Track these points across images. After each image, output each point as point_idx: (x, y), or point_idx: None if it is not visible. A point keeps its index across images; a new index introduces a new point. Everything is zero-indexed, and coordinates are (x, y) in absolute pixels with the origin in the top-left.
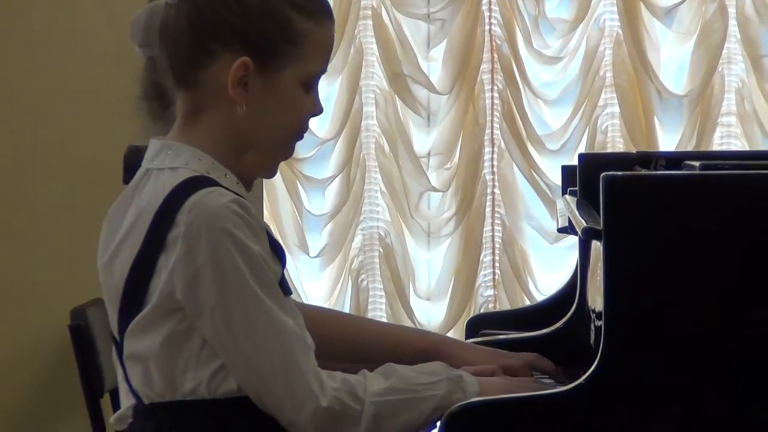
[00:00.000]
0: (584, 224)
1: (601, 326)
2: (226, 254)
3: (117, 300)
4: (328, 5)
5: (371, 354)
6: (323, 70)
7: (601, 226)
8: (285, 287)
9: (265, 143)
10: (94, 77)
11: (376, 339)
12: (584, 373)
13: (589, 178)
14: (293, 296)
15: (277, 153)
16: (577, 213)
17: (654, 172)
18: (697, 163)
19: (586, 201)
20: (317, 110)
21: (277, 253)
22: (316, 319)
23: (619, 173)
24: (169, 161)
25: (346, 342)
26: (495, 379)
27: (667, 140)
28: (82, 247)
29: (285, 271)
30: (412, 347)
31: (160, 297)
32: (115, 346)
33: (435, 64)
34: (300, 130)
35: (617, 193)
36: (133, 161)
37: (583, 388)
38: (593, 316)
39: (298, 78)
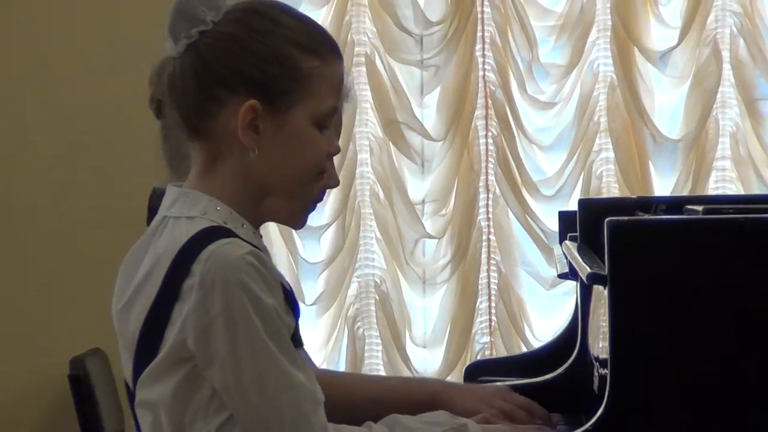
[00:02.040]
0: (588, 270)
1: (605, 373)
2: (240, 306)
3: (132, 347)
4: (335, 44)
5: (371, 413)
6: (335, 108)
7: (605, 272)
8: (297, 339)
9: (283, 187)
10: (116, 119)
11: (374, 397)
12: (587, 420)
13: (589, 223)
14: None
15: (299, 198)
16: (579, 259)
17: (658, 217)
18: (700, 208)
19: (588, 246)
20: (333, 150)
21: (292, 305)
22: None
23: (624, 218)
24: (186, 210)
25: (343, 404)
26: (499, 427)
27: (663, 185)
28: (81, 296)
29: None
30: (412, 401)
31: (173, 345)
32: (128, 394)
33: (429, 110)
34: (317, 170)
35: (622, 239)
36: (157, 205)
37: None
38: (596, 363)
39: (309, 117)
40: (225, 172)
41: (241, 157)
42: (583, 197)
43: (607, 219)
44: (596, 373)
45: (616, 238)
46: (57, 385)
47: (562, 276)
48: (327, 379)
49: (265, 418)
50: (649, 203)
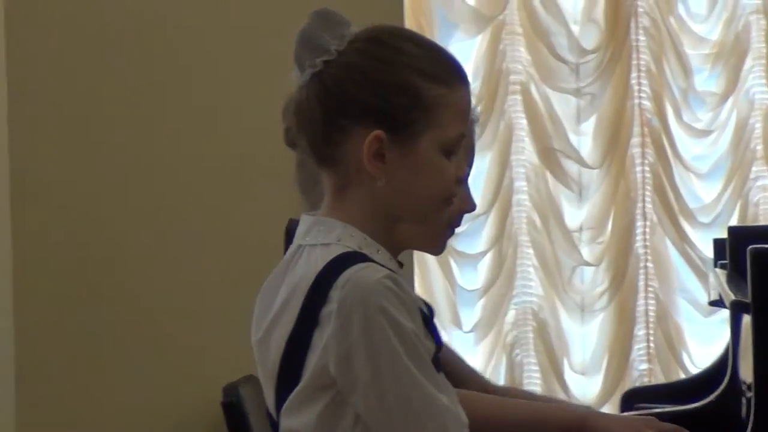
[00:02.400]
0: (733, 297)
1: (751, 398)
2: (379, 330)
3: (273, 376)
4: (461, 68)
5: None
6: (462, 134)
7: (749, 299)
8: (438, 363)
9: (413, 214)
10: (255, 150)
11: (523, 419)
12: None
13: (738, 250)
14: None
15: (429, 224)
16: (726, 286)
17: None
18: None
19: (736, 274)
20: (461, 174)
21: (431, 329)
22: (461, 401)
23: (766, 246)
24: (321, 237)
25: (493, 423)
26: None
27: None
28: (234, 323)
29: None
30: (561, 422)
31: (315, 372)
32: (271, 423)
33: (585, 138)
34: (446, 196)
35: (764, 266)
36: (293, 235)
37: None
38: (744, 388)
39: (437, 145)
40: (354, 200)
41: (369, 185)
42: (734, 225)
43: (749, 246)
44: (744, 400)
45: (758, 265)
46: (211, 412)
47: (714, 303)
48: (471, 400)
49: None
50: None
